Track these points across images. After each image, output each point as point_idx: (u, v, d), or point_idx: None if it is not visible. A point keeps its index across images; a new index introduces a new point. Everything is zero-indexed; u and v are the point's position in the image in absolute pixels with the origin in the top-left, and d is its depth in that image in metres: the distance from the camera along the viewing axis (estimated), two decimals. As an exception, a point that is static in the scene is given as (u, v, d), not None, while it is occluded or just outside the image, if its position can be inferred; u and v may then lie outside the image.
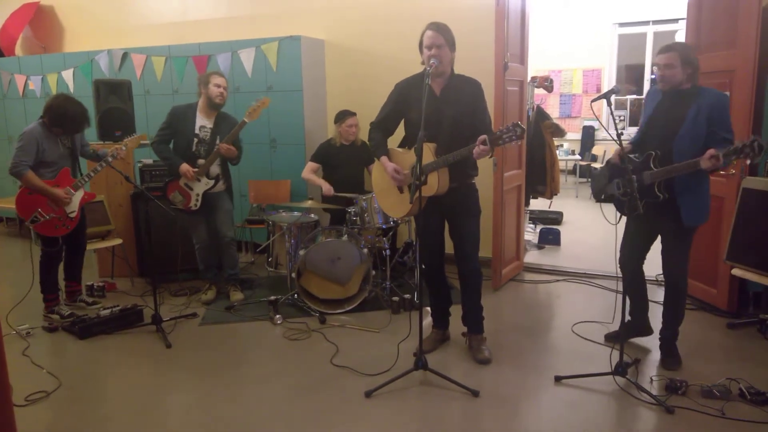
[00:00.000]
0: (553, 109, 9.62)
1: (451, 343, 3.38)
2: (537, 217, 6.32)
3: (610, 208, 3.10)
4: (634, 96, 9.45)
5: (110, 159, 3.65)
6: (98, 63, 5.68)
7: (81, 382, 3.03)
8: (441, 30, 2.87)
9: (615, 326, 3.33)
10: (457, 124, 2.92)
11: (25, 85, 6.15)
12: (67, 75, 5.87)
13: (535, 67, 7.11)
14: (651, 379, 2.89)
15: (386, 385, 2.83)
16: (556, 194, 5.48)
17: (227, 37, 5.26)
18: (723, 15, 3.57)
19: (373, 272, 3.97)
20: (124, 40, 5.93)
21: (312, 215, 4.37)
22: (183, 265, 4.40)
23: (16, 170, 3.49)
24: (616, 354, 2.86)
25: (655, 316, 3.24)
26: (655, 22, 9.06)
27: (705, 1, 3.72)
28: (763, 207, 3.29)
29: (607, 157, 8.75)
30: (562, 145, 8.89)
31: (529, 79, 4.82)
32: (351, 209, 4.10)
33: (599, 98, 2.81)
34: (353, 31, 5.04)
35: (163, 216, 3.91)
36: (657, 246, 3.04)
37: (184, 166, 3.88)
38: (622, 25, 9.35)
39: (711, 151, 2.53)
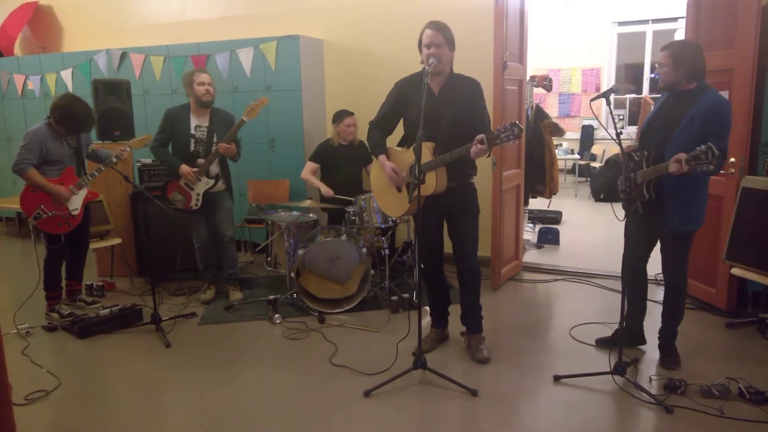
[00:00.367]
0: (552, 109, 9.62)
1: (450, 342, 3.38)
2: (536, 217, 6.32)
3: (618, 207, 3.07)
4: (634, 95, 9.45)
5: (114, 160, 3.67)
6: (97, 63, 5.67)
7: (80, 382, 3.03)
8: (440, 29, 2.87)
9: (616, 327, 3.32)
10: (456, 123, 2.92)
11: (24, 85, 6.15)
12: (66, 75, 5.87)
13: (534, 67, 7.12)
14: (650, 378, 2.89)
15: (385, 384, 2.83)
16: (555, 194, 5.48)
17: (226, 37, 5.26)
18: (722, 14, 3.56)
19: (372, 272, 3.97)
20: (122, 40, 5.93)
21: (311, 215, 4.37)
22: (182, 264, 4.40)
23: (18, 168, 3.54)
24: (615, 353, 2.85)
25: (654, 316, 3.24)
26: (655, 21, 9.06)
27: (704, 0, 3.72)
28: (762, 206, 3.29)
29: (606, 157, 8.77)
30: (561, 145, 8.89)
31: (528, 78, 4.82)
32: (350, 209, 4.10)
33: (598, 97, 2.80)
34: (352, 30, 5.04)
35: (162, 215, 3.91)
36: (658, 245, 3.03)
37: (184, 168, 3.88)
38: (621, 24, 9.34)
39: (679, 155, 2.52)
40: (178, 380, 3.04)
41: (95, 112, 4.47)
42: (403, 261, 4.52)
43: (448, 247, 3.18)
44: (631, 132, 7.96)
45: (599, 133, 9.46)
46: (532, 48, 4.79)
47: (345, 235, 3.91)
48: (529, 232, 5.88)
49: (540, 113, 5.40)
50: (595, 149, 9.40)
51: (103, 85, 4.56)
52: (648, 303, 3.22)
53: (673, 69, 2.76)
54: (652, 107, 3.19)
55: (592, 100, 2.96)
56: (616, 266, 3.18)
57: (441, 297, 3.33)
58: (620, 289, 2.90)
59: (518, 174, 4.55)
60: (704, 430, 2.45)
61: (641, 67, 9.31)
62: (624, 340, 2.90)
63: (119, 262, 4.68)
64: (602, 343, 3.26)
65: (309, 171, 4.51)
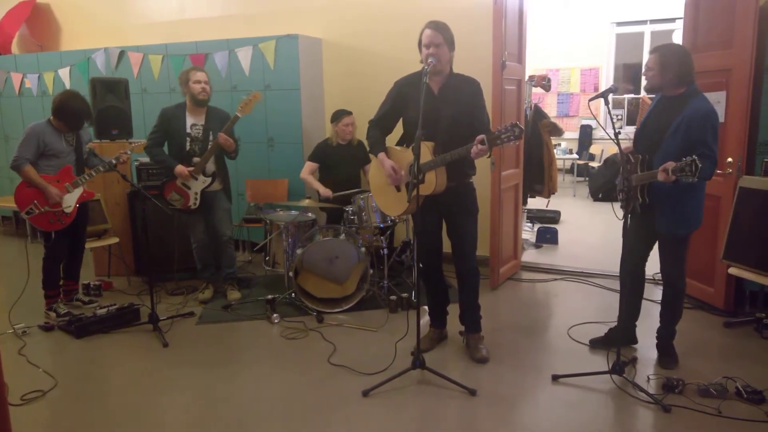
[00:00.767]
0: (550, 108, 9.63)
1: (448, 342, 3.38)
2: (534, 216, 6.32)
3: (618, 206, 3.08)
4: (632, 95, 9.46)
5: (114, 162, 3.67)
6: (95, 61, 5.66)
7: (77, 382, 3.02)
8: (440, 29, 2.87)
9: (613, 325, 3.32)
10: (455, 123, 2.92)
11: (22, 83, 6.12)
12: (64, 73, 5.85)
13: (532, 66, 7.10)
14: (648, 377, 2.90)
15: (384, 384, 2.82)
16: (553, 193, 5.48)
17: (224, 36, 5.25)
18: (720, 14, 3.57)
19: (371, 271, 3.97)
20: (121, 39, 5.91)
21: (309, 214, 4.36)
22: (180, 263, 4.39)
23: (15, 164, 3.58)
24: (613, 353, 2.86)
25: (653, 316, 3.24)
26: (653, 22, 9.07)
27: (702, 0, 3.72)
28: (760, 206, 3.29)
29: (604, 156, 8.78)
30: (559, 144, 8.89)
31: (526, 78, 4.82)
32: (349, 208, 4.09)
33: (597, 97, 2.81)
34: (351, 30, 5.03)
35: (160, 215, 3.90)
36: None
37: (179, 167, 3.87)
38: (619, 24, 9.36)
39: (667, 164, 2.54)
40: (176, 380, 3.03)
41: (93, 110, 4.46)
42: (402, 260, 4.51)
43: (446, 246, 3.18)
44: (629, 132, 7.97)
45: (597, 133, 9.47)
46: (531, 48, 4.79)
47: (344, 235, 3.90)
48: (528, 232, 5.88)
49: (538, 113, 5.40)
50: (594, 149, 9.41)
51: (101, 84, 4.55)
52: (646, 303, 3.23)
53: (659, 73, 2.77)
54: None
55: (590, 100, 2.95)
56: (614, 266, 3.18)
57: (440, 296, 3.33)
58: (619, 289, 2.90)
59: (517, 174, 4.55)
60: (702, 430, 2.46)
61: (639, 67, 9.30)
62: (619, 340, 2.91)
63: (117, 261, 4.67)
64: (595, 343, 3.26)
65: (308, 171, 4.51)
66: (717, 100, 3.58)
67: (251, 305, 4.03)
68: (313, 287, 3.92)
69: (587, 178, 8.83)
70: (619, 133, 2.81)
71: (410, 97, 2.95)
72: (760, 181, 3.35)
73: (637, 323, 3.23)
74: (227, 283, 4.22)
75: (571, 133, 9.57)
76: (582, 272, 4.62)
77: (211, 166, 3.99)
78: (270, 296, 3.85)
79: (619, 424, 2.55)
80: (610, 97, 2.76)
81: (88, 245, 4.24)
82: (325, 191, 4.32)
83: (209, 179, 3.97)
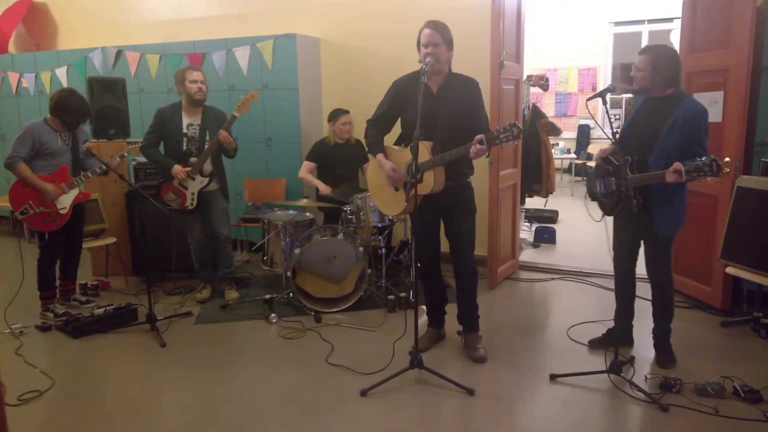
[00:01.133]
0: (548, 108, 9.63)
1: (446, 341, 3.38)
2: (532, 216, 6.33)
3: (595, 206, 3.12)
4: (630, 95, 9.47)
5: (106, 168, 3.66)
6: (92, 60, 5.65)
7: (74, 382, 3.01)
8: (438, 28, 2.87)
9: (611, 324, 3.33)
10: (454, 122, 2.92)
11: (19, 82, 6.11)
12: (61, 72, 5.83)
13: (530, 66, 7.10)
14: (645, 377, 2.90)
15: (382, 383, 2.82)
16: (551, 193, 5.48)
17: (222, 35, 5.24)
18: (717, 14, 3.57)
19: (369, 271, 3.97)
20: (118, 38, 5.90)
21: (307, 214, 4.36)
22: (178, 263, 4.38)
23: (9, 162, 3.54)
24: (611, 353, 2.86)
25: (649, 315, 3.24)
26: (651, 21, 9.08)
27: (700, 0, 3.73)
28: (757, 205, 3.30)
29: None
30: (557, 144, 8.91)
31: (524, 77, 4.82)
32: (346, 208, 4.09)
33: (594, 97, 2.81)
34: (349, 29, 5.03)
35: (158, 214, 3.89)
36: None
37: (176, 167, 3.86)
38: (617, 24, 9.37)
39: (677, 165, 2.56)
40: (174, 380, 3.03)
41: (91, 110, 4.44)
42: (400, 260, 4.51)
43: (444, 246, 3.18)
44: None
45: (595, 133, 9.47)
46: (529, 47, 4.80)
47: (341, 234, 3.90)
48: (526, 231, 5.88)
49: (537, 113, 5.41)
50: (592, 149, 9.40)
51: (98, 83, 4.53)
52: (645, 303, 3.23)
53: (650, 74, 2.77)
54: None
55: (588, 100, 2.97)
56: (612, 265, 3.19)
57: (438, 296, 3.33)
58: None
59: (515, 173, 4.55)
60: (699, 429, 2.46)
61: (637, 67, 9.32)
62: (618, 340, 2.91)
63: (114, 261, 4.65)
64: (595, 344, 3.26)
65: (306, 170, 4.50)
66: (714, 99, 3.59)
67: (249, 305, 4.02)
68: (311, 287, 3.91)
69: (585, 178, 8.84)
70: (617, 132, 2.81)
71: (409, 96, 2.95)
72: (757, 180, 3.35)
73: (633, 323, 3.24)
74: (225, 283, 4.21)
75: (569, 133, 9.58)
76: (580, 272, 4.63)
77: (208, 166, 3.98)
78: (268, 296, 3.85)
79: (617, 424, 2.56)
80: (608, 96, 2.76)
81: (86, 245, 4.22)
82: (324, 187, 4.32)
83: (206, 179, 3.96)
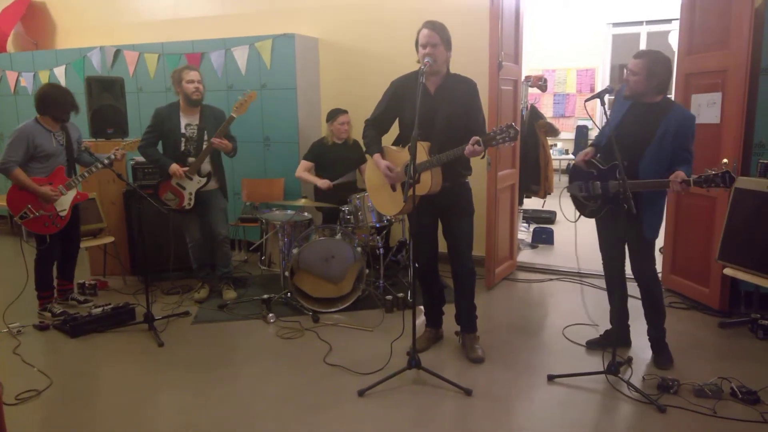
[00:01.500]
0: (546, 109, 9.63)
1: (444, 341, 3.38)
2: (530, 217, 6.33)
3: (570, 205, 3.15)
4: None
5: (106, 161, 3.64)
6: (90, 60, 5.64)
7: (72, 381, 3.01)
8: (437, 29, 2.87)
9: (609, 326, 3.33)
10: (451, 123, 2.91)
11: (17, 82, 6.10)
12: (59, 72, 5.82)
13: (529, 67, 7.12)
14: (643, 378, 2.90)
15: (379, 384, 2.82)
16: (549, 193, 5.49)
17: (221, 35, 5.24)
18: (716, 15, 3.58)
19: (367, 271, 3.97)
20: (116, 37, 5.89)
21: (305, 214, 4.35)
22: (176, 263, 4.38)
23: (3, 167, 3.49)
24: (608, 353, 2.86)
25: (644, 317, 3.24)
26: (649, 23, 9.09)
27: (698, 1, 3.73)
28: (755, 207, 3.30)
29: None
30: (555, 145, 8.91)
31: (523, 78, 4.83)
32: (344, 208, 4.09)
33: (593, 98, 2.82)
34: (347, 29, 5.03)
35: (156, 214, 3.89)
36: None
37: (174, 167, 3.85)
38: (615, 25, 9.37)
39: (682, 175, 2.60)
40: (171, 380, 3.02)
41: (89, 109, 4.45)
42: (398, 260, 4.51)
43: (442, 246, 3.18)
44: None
45: (593, 134, 9.47)
46: (527, 48, 4.80)
47: (339, 234, 3.90)
48: (524, 232, 5.89)
49: (535, 113, 5.41)
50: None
51: (96, 83, 4.53)
52: (636, 303, 3.23)
53: (645, 79, 2.78)
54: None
55: (586, 101, 2.97)
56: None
57: (435, 296, 3.33)
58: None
59: (513, 174, 4.56)
60: (697, 430, 2.46)
61: (636, 68, 9.33)
62: (615, 341, 2.92)
63: (112, 260, 4.65)
64: (592, 345, 3.27)
65: (303, 169, 4.50)
66: (713, 101, 3.59)
67: (247, 305, 4.02)
68: (309, 287, 3.91)
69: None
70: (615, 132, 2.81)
71: (407, 97, 2.95)
72: (755, 182, 3.36)
73: (629, 324, 3.24)
74: (223, 283, 4.21)
75: (567, 134, 9.57)
76: (577, 272, 4.63)
77: (206, 167, 3.97)
78: (266, 296, 3.85)
79: (614, 425, 2.56)
80: (606, 97, 2.76)
81: (84, 244, 4.22)
82: (323, 183, 4.31)
83: (204, 179, 3.95)
